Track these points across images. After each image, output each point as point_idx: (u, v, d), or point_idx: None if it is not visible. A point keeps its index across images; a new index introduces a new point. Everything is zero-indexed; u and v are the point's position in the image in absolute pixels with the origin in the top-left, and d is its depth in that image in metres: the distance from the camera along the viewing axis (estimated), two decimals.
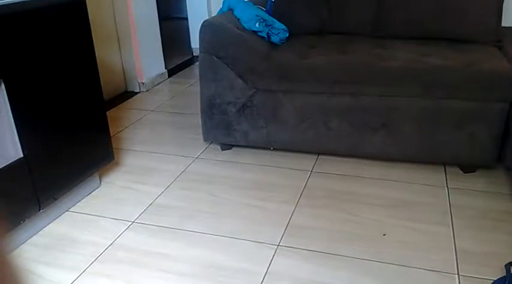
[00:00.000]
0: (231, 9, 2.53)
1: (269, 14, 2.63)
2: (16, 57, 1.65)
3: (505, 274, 1.57)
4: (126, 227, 1.92)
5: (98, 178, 2.22)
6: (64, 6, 1.83)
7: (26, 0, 1.67)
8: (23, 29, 1.66)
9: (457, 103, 2.10)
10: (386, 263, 1.67)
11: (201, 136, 2.56)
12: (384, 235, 1.82)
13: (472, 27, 2.45)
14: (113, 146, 2.23)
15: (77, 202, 2.10)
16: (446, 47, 2.35)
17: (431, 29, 2.50)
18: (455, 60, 2.15)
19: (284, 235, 1.84)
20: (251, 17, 2.42)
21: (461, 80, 2.07)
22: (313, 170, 2.33)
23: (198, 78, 2.43)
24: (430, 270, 1.63)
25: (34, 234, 1.88)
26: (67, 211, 2.04)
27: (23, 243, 1.83)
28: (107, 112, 2.21)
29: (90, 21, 1.98)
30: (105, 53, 3.34)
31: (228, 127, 2.44)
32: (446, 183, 2.17)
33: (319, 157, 2.45)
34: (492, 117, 2.08)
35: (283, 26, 2.57)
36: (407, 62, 2.16)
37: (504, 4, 2.49)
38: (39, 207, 1.82)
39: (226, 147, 2.56)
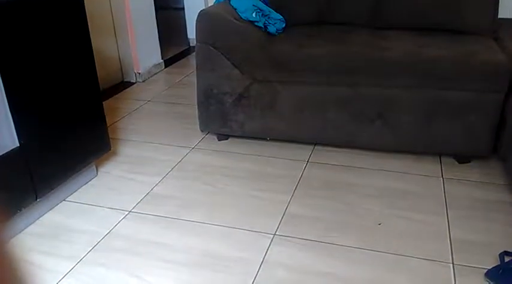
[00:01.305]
0: None
1: (266, 4, 2.62)
2: (12, 47, 1.64)
3: (499, 263, 1.58)
4: (123, 216, 1.93)
5: (94, 167, 2.22)
6: None
7: None
8: (19, 18, 1.65)
9: (453, 94, 2.11)
10: (382, 252, 1.68)
11: (197, 127, 2.56)
12: (380, 224, 1.84)
13: (469, 19, 2.45)
14: (110, 136, 2.23)
15: (74, 192, 2.10)
16: (443, 38, 2.34)
17: (429, 20, 2.50)
18: (452, 51, 2.16)
19: (280, 224, 1.85)
20: (248, 7, 2.41)
21: (458, 71, 2.08)
22: (310, 160, 2.33)
23: (195, 68, 2.43)
24: (425, 259, 1.64)
25: (31, 223, 1.88)
26: (64, 200, 2.04)
27: (19, 232, 1.83)
28: (104, 103, 2.21)
29: (86, 11, 1.97)
30: (101, 43, 3.33)
31: (225, 117, 2.44)
32: (442, 173, 2.19)
33: (316, 147, 2.45)
34: (488, 107, 2.09)
35: (280, 16, 2.56)
36: (405, 53, 2.17)
37: None
38: (36, 197, 1.82)
39: (222, 137, 2.56)
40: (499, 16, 2.53)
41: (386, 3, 2.59)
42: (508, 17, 2.71)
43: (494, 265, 1.58)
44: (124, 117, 2.93)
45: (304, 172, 2.23)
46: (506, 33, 2.42)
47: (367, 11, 2.64)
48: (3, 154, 1.66)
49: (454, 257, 1.65)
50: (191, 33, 4.52)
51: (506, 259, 1.59)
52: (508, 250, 1.62)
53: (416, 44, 2.25)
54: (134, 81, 3.60)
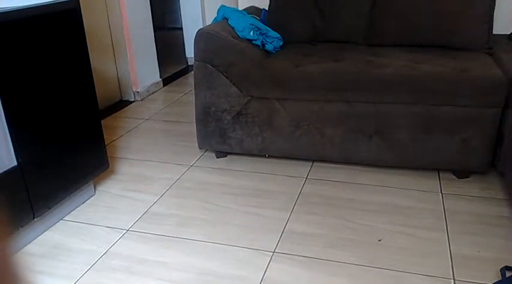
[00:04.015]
0: (225, 18, 2.55)
1: (263, 23, 2.65)
2: (10, 65, 1.65)
3: (500, 278, 1.57)
4: (121, 235, 1.91)
5: (92, 186, 2.22)
6: (59, 15, 1.84)
7: (20, 9, 1.67)
8: (17, 37, 1.67)
9: (450, 109, 2.12)
10: (382, 268, 1.67)
11: (196, 144, 2.57)
12: (380, 240, 1.83)
13: (464, 35, 2.48)
14: (108, 154, 2.23)
15: (72, 211, 2.09)
16: (438, 55, 2.37)
17: (424, 37, 2.53)
18: (447, 67, 2.18)
19: (280, 241, 1.84)
20: (245, 26, 2.43)
21: (454, 87, 2.09)
22: (308, 177, 2.33)
23: (193, 87, 2.44)
24: (425, 275, 1.63)
25: (28, 243, 1.87)
26: (61, 219, 2.03)
27: (17, 252, 1.81)
28: (102, 121, 2.22)
29: (85, 30, 1.99)
30: (100, 62, 3.35)
31: (223, 135, 2.44)
32: (441, 189, 2.18)
33: (314, 164, 2.45)
34: (485, 122, 2.10)
35: (277, 35, 2.59)
36: (400, 69, 2.18)
37: (495, 12, 2.52)
38: (34, 216, 1.81)
39: (221, 154, 2.56)
40: (494, 32, 2.56)
41: (381, 21, 2.62)
42: (503, 33, 2.74)
43: (495, 280, 1.57)
44: (122, 135, 2.93)
45: (303, 189, 2.22)
46: (501, 49, 2.44)
47: (362, 29, 2.67)
48: (0, 173, 1.66)
49: (454, 273, 1.64)
50: (189, 52, 4.56)
51: (508, 274, 1.57)
52: (509, 265, 1.61)
53: (412, 61, 2.27)
54: (133, 100, 3.61)
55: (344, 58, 2.37)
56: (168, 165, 2.51)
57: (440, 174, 2.31)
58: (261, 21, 2.67)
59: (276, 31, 2.61)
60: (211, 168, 2.47)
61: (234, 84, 2.33)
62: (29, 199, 1.78)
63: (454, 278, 1.61)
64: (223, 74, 2.33)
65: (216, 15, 2.64)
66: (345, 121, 2.26)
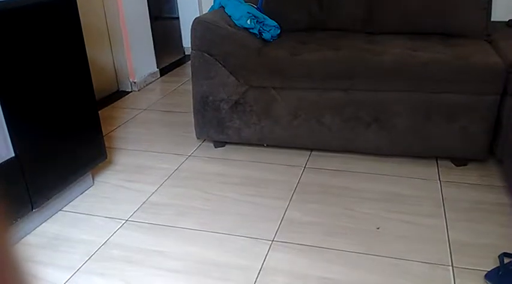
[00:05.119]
0: (222, 7, 2.53)
1: (260, 11, 2.63)
2: (6, 56, 1.64)
3: (498, 265, 1.58)
4: (120, 225, 1.92)
5: (90, 177, 2.21)
6: (54, 5, 1.82)
7: None
8: (13, 27, 1.65)
9: (448, 96, 2.12)
10: (381, 256, 1.67)
11: (194, 134, 2.56)
12: (378, 228, 1.83)
13: (462, 22, 2.47)
14: (106, 145, 2.22)
15: (70, 201, 2.09)
16: (436, 42, 2.36)
17: (422, 24, 2.52)
18: (446, 54, 2.17)
19: (278, 230, 1.84)
20: (242, 14, 2.42)
21: (452, 74, 2.09)
22: (307, 166, 2.33)
23: (190, 76, 2.43)
24: (424, 262, 1.64)
25: (27, 234, 1.87)
26: (60, 210, 2.03)
27: (16, 243, 1.81)
28: (99, 112, 2.21)
29: (81, 21, 1.97)
30: (96, 53, 3.33)
31: (221, 124, 2.43)
32: (439, 176, 2.18)
33: (312, 153, 2.45)
34: (483, 110, 2.10)
35: (275, 23, 2.57)
36: (398, 57, 2.17)
37: None
38: (32, 207, 1.81)
39: (219, 144, 2.56)
40: (492, 19, 2.55)
41: (379, 9, 2.60)
42: (502, 19, 2.73)
43: (493, 267, 1.57)
44: (120, 126, 2.92)
45: (301, 178, 2.22)
46: (499, 36, 2.43)
47: (360, 17, 2.65)
48: None
49: (453, 259, 1.64)
50: (186, 42, 4.53)
51: (506, 260, 1.58)
52: (508, 252, 1.62)
53: (410, 48, 2.26)
54: (130, 90, 3.60)
55: (342, 46, 2.35)
56: (166, 155, 2.51)
57: (439, 162, 2.31)
58: (258, 9, 2.65)
59: (273, 19, 2.59)
60: (209, 157, 2.47)
61: (231, 73, 2.32)
62: (27, 190, 1.78)
63: (452, 265, 1.62)
64: (221, 63, 2.32)
65: (212, 4, 2.62)
66: (343, 110, 2.25)
